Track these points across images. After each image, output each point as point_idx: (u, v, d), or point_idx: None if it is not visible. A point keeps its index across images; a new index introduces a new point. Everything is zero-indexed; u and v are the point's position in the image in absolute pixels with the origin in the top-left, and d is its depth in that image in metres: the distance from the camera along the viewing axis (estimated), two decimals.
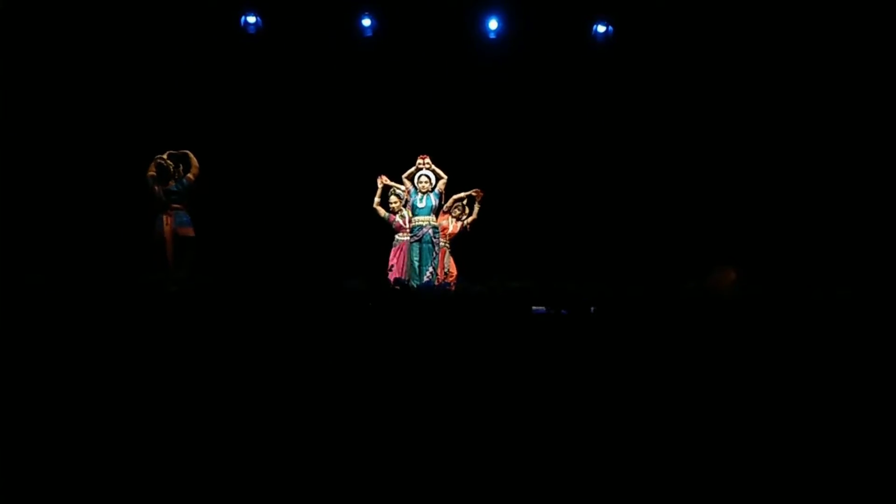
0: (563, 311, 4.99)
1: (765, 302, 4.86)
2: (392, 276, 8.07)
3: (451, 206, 8.44)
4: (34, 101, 8.56)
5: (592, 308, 4.90)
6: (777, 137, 9.34)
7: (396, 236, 8.39)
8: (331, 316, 5.13)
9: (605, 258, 9.10)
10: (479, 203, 8.48)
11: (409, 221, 8.27)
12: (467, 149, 9.28)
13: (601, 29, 9.55)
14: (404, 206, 8.34)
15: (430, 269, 8.12)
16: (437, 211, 8.29)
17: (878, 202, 8.83)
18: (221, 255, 8.24)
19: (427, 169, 8.24)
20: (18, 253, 5.97)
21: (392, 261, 8.30)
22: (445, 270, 8.42)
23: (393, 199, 8.41)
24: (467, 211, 8.59)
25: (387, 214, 8.39)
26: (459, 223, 8.57)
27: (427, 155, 8.28)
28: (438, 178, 8.25)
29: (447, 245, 8.54)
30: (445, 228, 8.46)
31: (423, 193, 8.21)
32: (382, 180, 8.33)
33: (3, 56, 7.58)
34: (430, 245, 8.17)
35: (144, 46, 8.99)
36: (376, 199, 8.38)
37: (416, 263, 8.13)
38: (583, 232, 9.49)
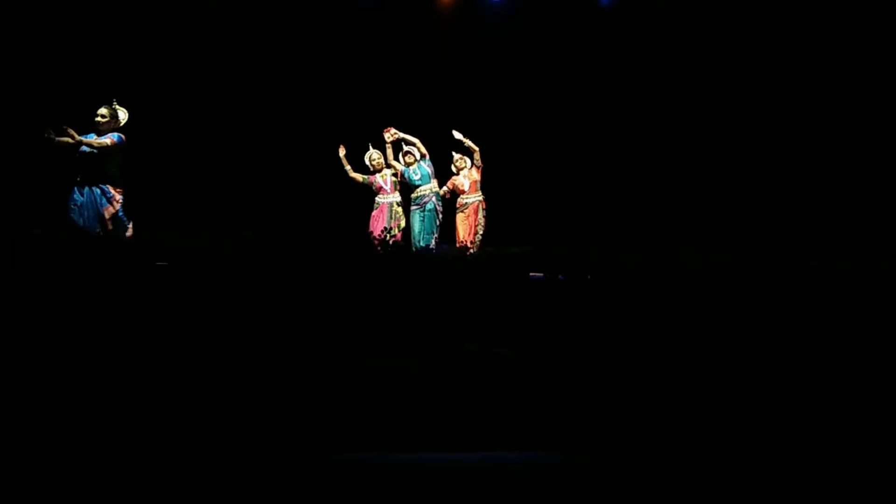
0: (560, 276, 5.04)
1: (760, 269, 4.91)
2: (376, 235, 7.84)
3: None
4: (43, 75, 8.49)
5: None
6: (778, 109, 9.33)
7: (377, 198, 8.07)
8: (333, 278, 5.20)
9: (602, 224, 9.09)
10: (465, 139, 7.99)
11: (412, 192, 8.09)
12: (467, 115, 9.22)
13: None
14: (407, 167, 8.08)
15: (435, 235, 7.99)
16: (434, 175, 8.11)
17: (873, 177, 8.87)
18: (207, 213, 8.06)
19: (399, 141, 7.96)
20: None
21: (373, 224, 7.94)
22: (480, 228, 7.97)
23: (376, 155, 8.09)
24: (465, 159, 8.14)
25: (365, 178, 8.09)
26: (475, 168, 8.08)
27: (391, 127, 7.98)
28: (421, 153, 7.96)
29: (481, 199, 8.05)
30: (461, 188, 8.03)
31: (410, 165, 7.99)
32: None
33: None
34: (434, 213, 8.00)
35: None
36: (348, 167, 8.05)
37: (416, 230, 8.00)
38: (581, 198, 9.47)
